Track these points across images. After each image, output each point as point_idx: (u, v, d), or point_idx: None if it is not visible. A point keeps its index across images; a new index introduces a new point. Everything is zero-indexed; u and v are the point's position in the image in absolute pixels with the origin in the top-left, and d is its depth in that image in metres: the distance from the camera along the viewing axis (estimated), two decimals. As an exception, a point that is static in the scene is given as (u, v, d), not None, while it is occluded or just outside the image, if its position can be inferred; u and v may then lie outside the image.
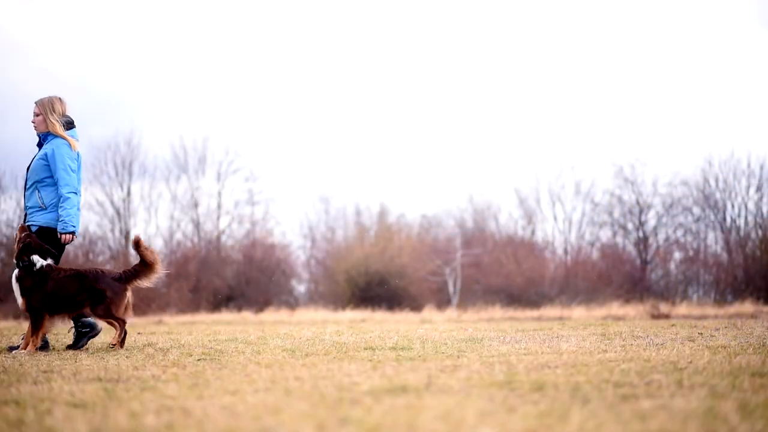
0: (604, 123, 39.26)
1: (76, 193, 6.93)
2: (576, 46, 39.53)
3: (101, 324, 7.11)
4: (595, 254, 31.67)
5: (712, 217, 29.92)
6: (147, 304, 25.85)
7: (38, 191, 6.99)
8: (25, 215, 7.13)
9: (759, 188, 29.31)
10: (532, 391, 3.68)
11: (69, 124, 7.11)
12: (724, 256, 29.49)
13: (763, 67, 37.86)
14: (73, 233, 6.88)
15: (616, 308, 22.72)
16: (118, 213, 30.04)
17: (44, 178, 6.99)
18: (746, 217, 29.53)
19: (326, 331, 9.57)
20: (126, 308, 6.90)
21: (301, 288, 33.71)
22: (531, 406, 3.30)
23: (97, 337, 8.21)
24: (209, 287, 28.72)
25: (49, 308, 6.67)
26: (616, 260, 30.61)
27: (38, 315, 6.66)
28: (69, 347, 7.05)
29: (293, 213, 48.04)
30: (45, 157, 6.98)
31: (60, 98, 7.18)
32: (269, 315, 24.21)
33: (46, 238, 6.83)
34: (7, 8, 36.43)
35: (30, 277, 6.67)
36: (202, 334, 9.32)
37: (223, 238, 31.45)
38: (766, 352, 5.42)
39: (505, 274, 29.83)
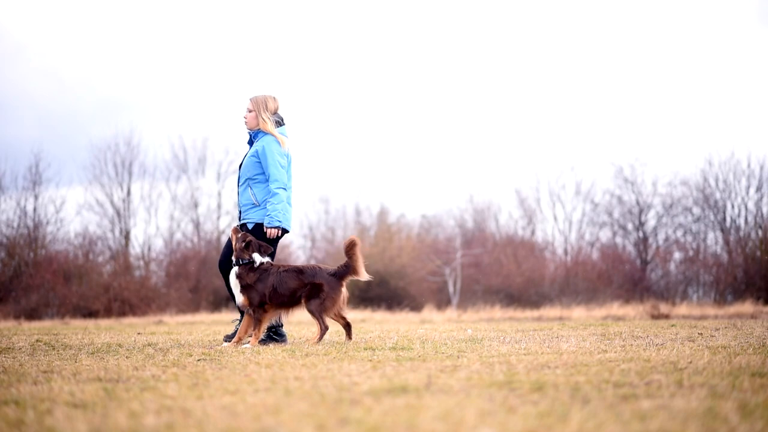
0: (604, 123, 39.28)
1: (285, 189, 7.02)
2: (576, 46, 39.55)
3: (287, 340, 7.19)
4: (595, 254, 31.66)
5: (712, 217, 29.92)
6: (147, 304, 25.86)
7: (251, 188, 7.10)
8: (240, 212, 7.21)
9: (759, 188, 29.31)
10: (532, 391, 3.68)
11: (278, 123, 7.17)
12: (724, 256, 29.48)
13: (763, 67, 37.87)
14: (278, 228, 6.95)
15: (616, 308, 22.71)
16: (118, 213, 30.03)
17: (256, 175, 7.08)
18: (746, 217, 29.54)
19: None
20: (342, 303, 6.91)
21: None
22: (531, 406, 3.30)
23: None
24: (209, 287, 28.70)
25: (271, 302, 6.74)
26: (616, 260, 30.60)
27: (260, 310, 6.73)
28: (262, 341, 7.09)
29: (293, 213, 47.99)
30: (256, 155, 7.07)
31: (273, 97, 7.27)
32: (269, 315, 24.16)
33: (261, 234, 6.95)
34: (8, 8, 36.43)
35: (250, 275, 6.73)
36: (202, 334, 9.32)
37: (223, 238, 31.40)
38: (766, 352, 5.42)
39: (505, 274, 29.82)
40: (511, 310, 24.18)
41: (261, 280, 6.72)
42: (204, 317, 23.27)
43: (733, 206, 29.70)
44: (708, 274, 29.62)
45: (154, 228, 30.68)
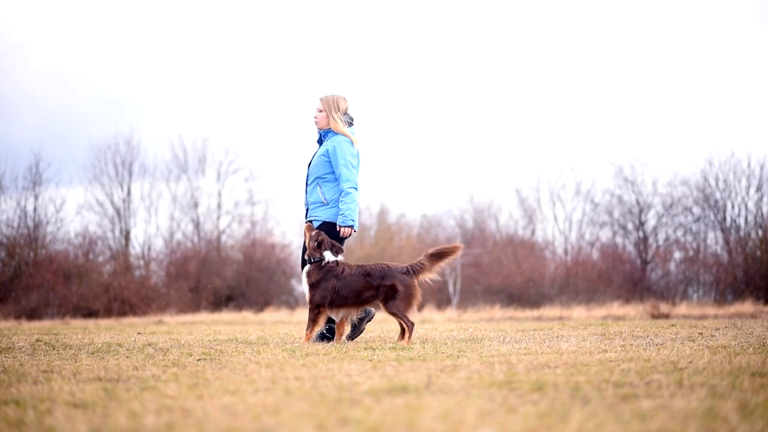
0: (604, 123, 39.28)
1: (356, 189, 7.05)
2: (576, 46, 39.55)
3: (374, 310, 7.16)
4: (595, 254, 31.66)
5: (712, 217, 29.93)
6: (147, 304, 25.86)
7: (320, 187, 7.13)
8: (306, 210, 7.25)
9: (759, 188, 29.31)
10: (532, 391, 3.68)
11: (349, 123, 7.21)
12: (724, 256, 29.48)
13: (764, 67, 37.87)
14: (351, 227, 6.99)
15: (616, 308, 22.72)
16: (118, 213, 30.04)
17: (325, 174, 7.11)
18: (746, 217, 29.54)
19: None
20: (417, 302, 6.86)
21: (301, 288, 33.71)
22: (531, 406, 3.30)
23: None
24: (209, 287, 28.72)
25: (332, 303, 6.71)
26: (616, 260, 30.60)
27: (316, 309, 6.73)
28: (349, 336, 7.13)
29: (293, 213, 48.03)
30: (326, 154, 7.09)
31: (344, 97, 7.29)
32: (269, 315, 24.21)
33: (327, 232, 6.96)
34: (8, 8, 36.43)
35: (319, 273, 6.74)
36: (202, 334, 9.32)
37: (223, 238, 31.47)
38: (766, 352, 5.42)
39: (505, 274, 29.83)
40: (511, 310, 24.19)
41: (325, 279, 6.72)
42: (204, 317, 23.28)
43: (733, 206, 29.71)
44: (708, 274, 29.62)
45: (154, 228, 30.72)
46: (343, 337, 7.12)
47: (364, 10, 39.68)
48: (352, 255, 30.27)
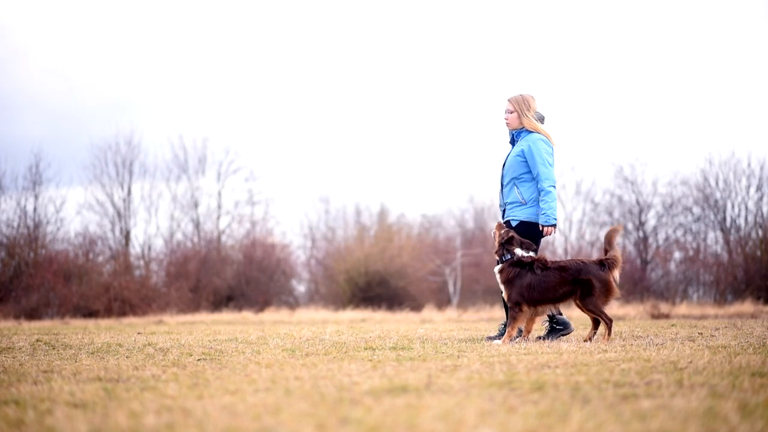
0: (604, 123, 39.27)
1: (555, 187, 7.09)
2: (576, 46, 39.54)
3: (573, 325, 7.16)
4: (595, 254, 31.64)
5: (712, 217, 29.91)
6: (147, 304, 25.85)
7: (516, 187, 7.14)
8: (503, 211, 7.27)
9: (759, 188, 29.29)
10: (532, 391, 3.68)
11: (540, 120, 7.21)
12: (724, 256, 29.45)
13: (764, 67, 37.86)
14: (554, 226, 7.01)
15: (616, 308, 22.69)
16: (118, 213, 30.03)
17: (521, 174, 7.13)
18: (746, 217, 29.51)
19: (326, 331, 9.57)
20: (613, 298, 6.78)
21: (301, 288, 33.71)
22: (531, 406, 3.30)
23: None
24: (209, 287, 28.70)
25: (529, 300, 6.67)
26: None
27: (516, 307, 6.69)
28: (540, 338, 7.10)
29: (293, 213, 48.03)
30: (521, 154, 7.11)
31: (532, 96, 7.29)
32: (269, 315, 24.21)
33: (525, 232, 6.95)
34: (9, 8, 36.42)
35: (512, 270, 6.72)
36: (202, 334, 9.31)
37: (223, 238, 31.44)
38: (766, 352, 5.42)
39: (505, 274, 29.78)
40: (512, 310, 24.14)
41: (520, 276, 6.69)
42: (204, 317, 23.27)
43: (733, 206, 29.69)
44: (708, 274, 29.59)
45: (155, 228, 30.69)
46: (532, 335, 7.04)
47: (364, 10, 39.68)
48: (352, 254, 30.26)
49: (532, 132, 7.15)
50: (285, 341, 7.34)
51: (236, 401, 3.54)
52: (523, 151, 7.10)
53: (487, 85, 39.92)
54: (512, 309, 6.70)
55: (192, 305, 27.13)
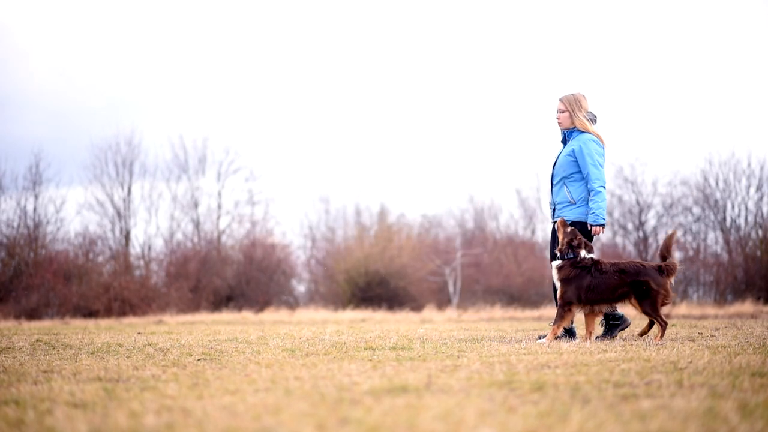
0: (604, 123, 39.17)
1: (604, 187, 7.04)
2: (576, 46, 39.55)
3: (630, 319, 7.20)
4: (595, 254, 31.62)
5: (712, 216, 29.91)
6: (147, 304, 25.85)
7: (566, 187, 7.14)
8: (553, 210, 7.28)
9: (759, 188, 29.29)
10: (532, 391, 3.68)
11: (592, 120, 7.20)
12: (724, 256, 29.45)
13: (764, 67, 37.86)
14: (603, 225, 7.02)
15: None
16: (118, 213, 30.02)
17: (572, 173, 7.13)
18: (746, 217, 29.51)
19: (326, 331, 9.57)
20: (669, 301, 6.84)
21: (301, 288, 33.71)
22: (531, 406, 3.30)
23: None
24: (209, 287, 28.70)
25: (585, 300, 6.72)
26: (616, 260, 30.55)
27: (566, 306, 6.73)
28: (599, 337, 7.09)
29: (293, 213, 48.03)
30: (572, 153, 7.11)
31: (583, 95, 7.33)
32: (269, 315, 24.21)
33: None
34: (10, 8, 36.43)
35: (571, 269, 6.76)
36: (202, 334, 9.31)
37: (223, 238, 31.44)
38: (766, 352, 5.42)
39: (505, 274, 29.82)
40: (512, 310, 24.17)
41: (579, 277, 6.73)
42: (204, 317, 23.27)
43: (733, 206, 29.68)
44: (708, 274, 29.59)
45: (155, 228, 30.68)
46: (593, 337, 7.03)
47: (363, 10, 39.68)
48: (352, 254, 30.26)
49: (583, 132, 7.17)
50: (285, 341, 7.34)
51: (236, 401, 3.54)
52: (573, 150, 7.12)
53: (487, 85, 39.95)
54: (561, 307, 6.73)
55: (192, 305, 27.13)
